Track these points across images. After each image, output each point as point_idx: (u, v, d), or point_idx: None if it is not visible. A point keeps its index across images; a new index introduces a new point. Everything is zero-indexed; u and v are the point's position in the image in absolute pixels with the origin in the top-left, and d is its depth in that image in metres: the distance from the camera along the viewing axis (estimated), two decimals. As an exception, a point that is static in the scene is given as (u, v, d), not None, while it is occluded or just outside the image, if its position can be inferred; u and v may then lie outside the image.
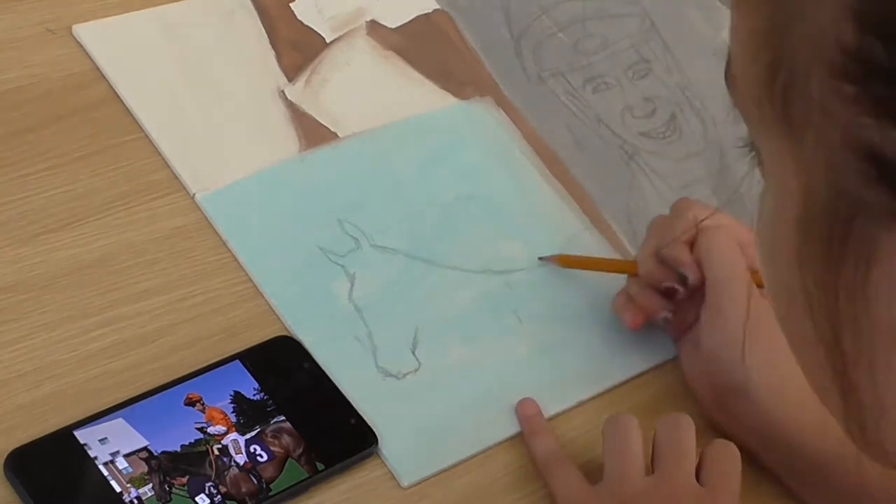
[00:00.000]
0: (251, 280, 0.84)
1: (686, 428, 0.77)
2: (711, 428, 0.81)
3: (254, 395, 0.77)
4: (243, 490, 0.73)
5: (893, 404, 0.47)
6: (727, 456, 0.76)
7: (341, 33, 1.02)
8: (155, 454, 0.73)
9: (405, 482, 0.77)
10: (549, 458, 0.78)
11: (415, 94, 0.98)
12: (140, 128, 0.91)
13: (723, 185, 0.97)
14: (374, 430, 0.78)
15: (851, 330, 0.46)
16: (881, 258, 0.43)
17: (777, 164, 0.46)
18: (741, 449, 0.77)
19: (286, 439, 0.76)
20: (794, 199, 0.45)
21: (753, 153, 0.48)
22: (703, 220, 0.83)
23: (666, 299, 0.84)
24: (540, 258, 0.89)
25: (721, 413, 0.82)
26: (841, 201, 0.43)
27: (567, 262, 0.89)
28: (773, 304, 0.50)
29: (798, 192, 0.44)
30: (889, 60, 0.39)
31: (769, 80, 0.43)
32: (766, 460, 0.81)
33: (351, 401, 0.79)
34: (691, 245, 0.83)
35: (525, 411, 0.81)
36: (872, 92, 0.40)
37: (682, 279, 0.82)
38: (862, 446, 0.49)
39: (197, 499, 0.72)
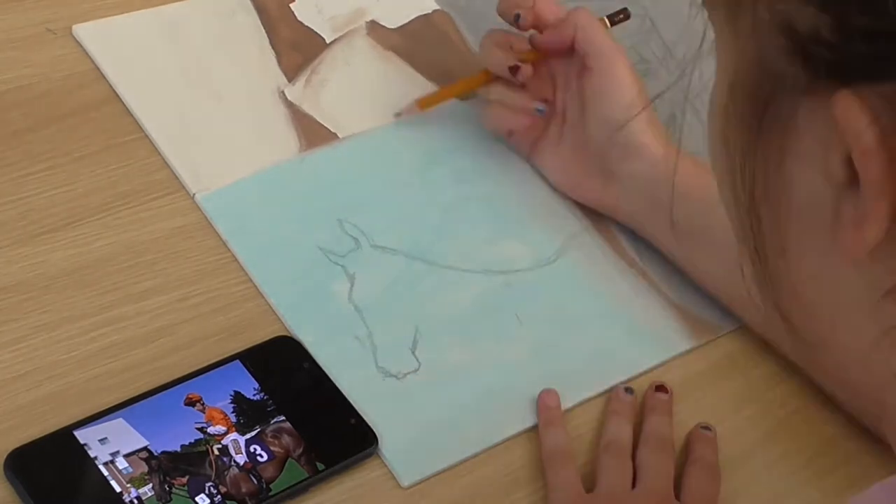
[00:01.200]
0: (251, 280, 0.84)
1: (666, 448, 0.79)
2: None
3: (254, 395, 0.77)
4: (243, 490, 0.73)
5: (801, 286, 0.50)
6: (706, 477, 0.79)
7: (341, 34, 1.02)
8: (155, 454, 0.73)
9: (405, 482, 0.77)
10: (555, 452, 0.79)
11: (415, 95, 0.98)
12: (140, 128, 0.91)
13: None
14: (374, 430, 0.78)
15: (768, 204, 0.48)
16: (796, 130, 0.46)
17: (722, 47, 0.49)
18: (625, 222, 0.89)
19: (286, 439, 0.76)
20: (728, 73, 0.48)
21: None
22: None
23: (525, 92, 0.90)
24: (395, 114, 0.94)
25: (609, 184, 0.89)
26: (763, 75, 0.46)
27: (424, 102, 0.93)
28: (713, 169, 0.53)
29: (729, 71, 0.48)
30: None
31: None
32: (654, 223, 0.87)
33: (351, 401, 0.79)
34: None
35: (546, 401, 0.81)
36: None
37: (517, 18, 0.88)
38: (773, 314, 0.52)
39: (197, 499, 0.72)
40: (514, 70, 0.89)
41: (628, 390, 0.83)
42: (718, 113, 0.50)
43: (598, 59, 0.88)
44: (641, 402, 0.83)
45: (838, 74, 0.43)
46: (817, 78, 0.44)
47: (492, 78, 0.92)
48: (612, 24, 0.92)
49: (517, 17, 0.89)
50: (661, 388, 0.83)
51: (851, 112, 0.42)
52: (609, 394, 0.83)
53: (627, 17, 0.93)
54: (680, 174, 0.83)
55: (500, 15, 0.90)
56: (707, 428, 0.82)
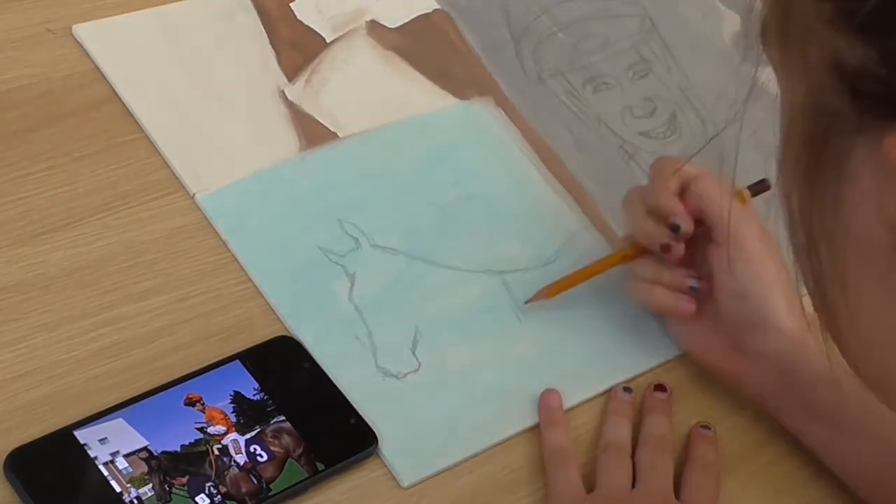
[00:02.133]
0: (251, 280, 0.84)
1: (665, 448, 0.79)
2: (719, 386, 0.84)
3: (254, 395, 0.77)
4: (243, 490, 0.73)
5: (864, 325, 0.50)
6: (706, 477, 0.79)
7: (341, 33, 1.02)
8: (155, 454, 0.73)
9: (405, 482, 0.77)
10: (556, 452, 0.79)
11: (415, 94, 0.98)
12: (140, 128, 0.91)
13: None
14: (374, 430, 0.78)
15: (827, 243, 0.49)
16: (850, 172, 0.46)
17: (782, 83, 0.49)
18: (753, 399, 0.82)
19: (286, 439, 0.76)
20: (783, 117, 0.49)
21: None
22: (681, 167, 0.83)
23: (683, 266, 0.83)
24: (526, 303, 0.86)
25: (739, 358, 0.82)
26: (817, 116, 0.46)
27: (553, 290, 0.86)
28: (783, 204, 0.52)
29: (784, 106, 0.48)
30: None
31: (775, 7, 0.47)
32: (784, 403, 0.81)
33: (351, 401, 0.79)
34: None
35: (547, 401, 0.81)
36: (841, 7, 0.44)
37: (675, 228, 0.81)
38: (844, 357, 0.52)
39: (197, 499, 0.72)
40: (665, 248, 0.82)
41: (627, 390, 0.83)
42: (780, 154, 0.50)
43: (723, 229, 0.81)
44: (641, 401, 0.83)
45: (888, 109, 0.43)
46: (867, 114, 0.44)
47: (636, 253, 0.84)
48: (755, 194, 0.85)
49: (676, 227, 0.81)
50: (660, 387, 0.83)
51: None
52: (608, 394, 0.83)
53: (768, 187, 0.85)
54: (817, 354, 0.78)
55: (646, 236, 0.83)
56: (707, 427, 0.82)
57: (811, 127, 0.47)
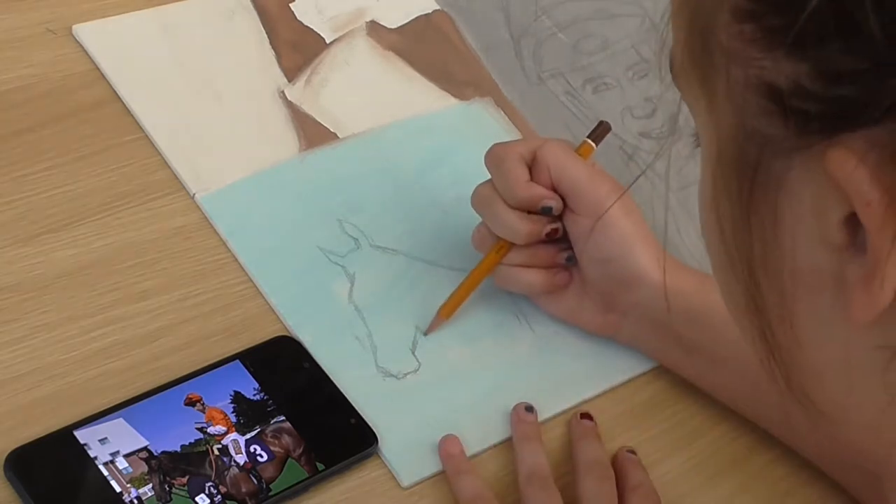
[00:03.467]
0: (251, 280, 0.84)
1: (609, 477, 0.77)
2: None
3: (254, 395, 0.77)
4: (243, 490, 0.73)
5: (811, 353, 0.48)
6: (651, 501, 0.77)
7: (341, 34, 1.02)
8: (155, 454, 0.73)
9: (405, 482, 0.77)
10: (477, 500, 0.75)
11: (415, 95, 0.98)
12: (140, 128, 0.91)
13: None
14: (374, 430, 0.78)
15: (767, 276, 0.47)
16: (788, 195, 0.44)
17: (701, 122, 0.48)
18: (628, 346, 0.84)
19: (286, 439, 0.76)
20: (710, 148, 0.47)
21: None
22: (521, 151, 0.82)
23: (546, 242, 0.83)
24: (425, 334, 0.84)
25: (610, 315, 0.83)
26: (747, 140, 0.44)
27: (448, 311, 0.84)
28: (708, 253, 0.51)
29: (713, 141, 0.46)
30: None
31: (689, 36, 0.46)
32: (660, 346, 0.83)
33: (351, 401, 0.79)
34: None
35: (448, 450, 0.78)
36: (766, 25, 0.42)
37: (548, 210, 0.81)
38: (786, 391, 0.50)
39: (197, 499, 0.72)
40: (553, 233, 0.82)
41: (529, 409, 0.80)
42: (707, 187, 0.48)
43: (577, 199, 0.81)
44: (569, 429, 0.81)
45: (826, 127, 0.41)
46: (804, 135, 0.42)
47: (509, 245, 0.83)
48: (597, 142, 0.86)
49: (548, 209, 0.81)
50: (586, 415, 0.81)
51: (848, 166, 0.41)
52: (512, 413, 0.80)
53: (608, 129, 0.86)
54: (683, 292, 0.80)
55: (518, 233, 0.82)
56: (632, 452, 0.80)
57: (741, 153, 0.44)
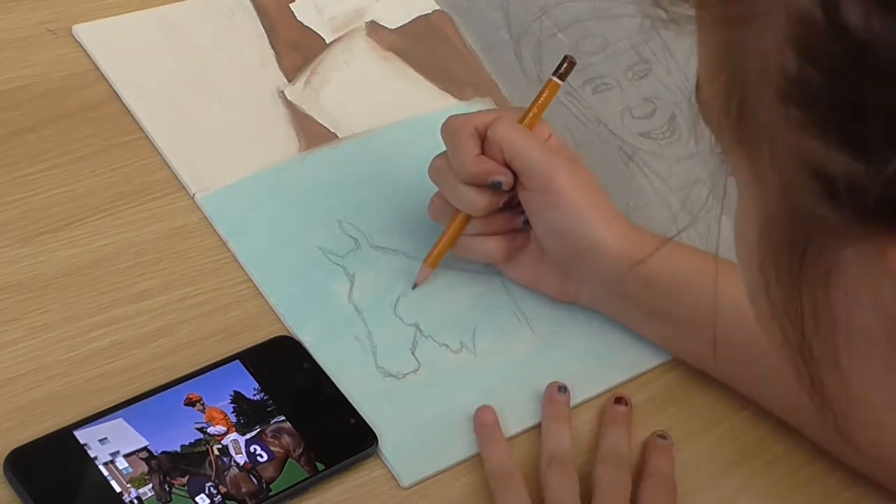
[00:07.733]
0: (251, 280, 0.84)
1: (623, 465, 0.78)
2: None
3: (254, 395, 0.77)
4: (243, 490, 0.73)
5: (860, 403, 0.49)
6: (662, 492, 0.77)
7: (341, 34, 1.02)
8: (155, 454, 0.73)
9: (405, 482, 0.77)
10: (500, 472, 0.76)
11: (415, 95, 0.98)
12: (140, 128, 0.91)
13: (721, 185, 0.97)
14: (374, 430, 0.78)
15: (816, 335, 0.47)
16: (838, 273, 0.44)
17: (743, 173, 0.47)
18: (591, 308, 0.85)
19: (286, 439, 0.76)
20: (756, 210, 0.46)
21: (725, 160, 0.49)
22: (474, 124, 0.82)
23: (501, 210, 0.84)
24: (413, 287, 0.86)
25: (569, 281, 0.85)
26: (797, 217, 0.43)
27: (434, 261, 0.86)
28: (748, 295, 0.51)
29: (760, 204, 0.46)
30: (827, 89, 0.40)
31: (726, 99, 0.45)
32: (622, 312, 0.84)
33: (351, 401, 0.79)
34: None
35: (482, 419, 0.79)
36: (815, 115, 0.41)
37: (497, 185, 0.82)
38: (838, 435, 0.51)
39: (197, 499, 0.72)
40: (507, 203, 0.83)
41: (562, 389, 0.81)
42: (752, 244, 0.47)
43: (529, 177, 0.81)
44: (602, 412, 0.82)
45: (885, 222, 0.41)
46: (860, 223, 0.41)
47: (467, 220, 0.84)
48: (563, 78, 0.85)
49: (498, 184, 0.81)
50: (620, 399, 0.82)
51: None
52: (545, 394, 0.81)
53: (573, 63, 0.85)
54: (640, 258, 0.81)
55: (474, 207, 0.83)
56: (664, 437, 0.81)
57: (790, 226, 0.44)
